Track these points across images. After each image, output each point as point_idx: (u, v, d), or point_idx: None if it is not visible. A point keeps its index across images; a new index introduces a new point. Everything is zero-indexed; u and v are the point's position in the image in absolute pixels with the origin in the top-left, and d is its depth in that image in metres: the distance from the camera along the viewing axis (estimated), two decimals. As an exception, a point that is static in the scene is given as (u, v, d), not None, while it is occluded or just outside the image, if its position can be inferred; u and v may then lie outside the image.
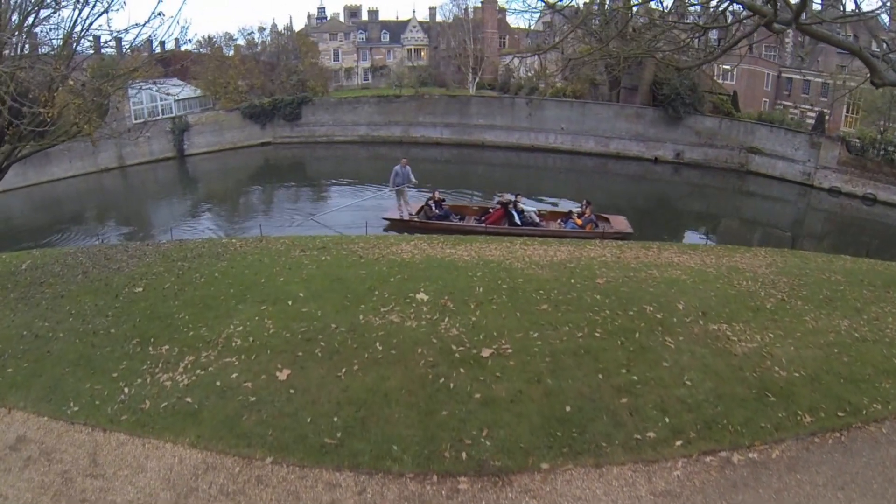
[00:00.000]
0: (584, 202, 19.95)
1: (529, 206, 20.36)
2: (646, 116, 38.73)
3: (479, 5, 58.35)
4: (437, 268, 11.30)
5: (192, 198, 31.74)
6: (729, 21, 10.23)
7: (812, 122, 36.52)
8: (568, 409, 6.40)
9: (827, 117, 35.34)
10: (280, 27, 53.87)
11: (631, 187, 35.32)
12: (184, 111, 41.77)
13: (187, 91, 42.87)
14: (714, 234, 26.48)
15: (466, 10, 57.40)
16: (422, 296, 9.45)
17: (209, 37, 47.77)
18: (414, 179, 19.80)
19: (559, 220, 19.75)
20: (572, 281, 10.64)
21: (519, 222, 18.86)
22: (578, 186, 34.10)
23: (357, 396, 6.65)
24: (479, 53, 52.14)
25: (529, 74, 50.41)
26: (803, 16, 8.13)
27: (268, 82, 44.28)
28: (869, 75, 9.32)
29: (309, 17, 68.43)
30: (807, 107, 41.78)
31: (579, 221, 18.97)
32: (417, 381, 6.93)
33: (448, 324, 8.37)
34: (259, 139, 41.86)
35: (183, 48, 47.57)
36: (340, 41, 63.45)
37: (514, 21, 67.39)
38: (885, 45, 10.35)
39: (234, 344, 7.88)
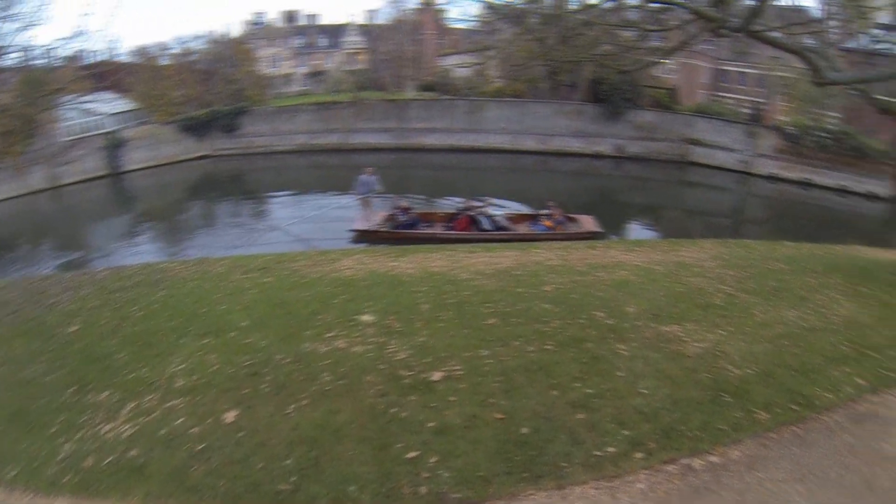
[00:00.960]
0: (551, 204, 20.83)
1: (498, 210, 21.13)
2: (586, 113, 40.74)
3: (418, 7, 59.83)
4: (380, 285, 11.45)
5: (129, 217, 31.64)
6: (673, 24, 10.87)
7: (749, 112, 39.70)
8: (524, 430, 6.52)
9: (763, 107, 38.13)
10: (217, 34, 54.43)
11: (572, 184, 36.66)
12: (118, 126, 41.80)
13: (121, 105, 43.05)
14: (658, 225, 27.86)
15: (405, 12, 58.55)
16: (367, 317, 9.58)
17: (143, 46, 47.97)
18: (379, 188, 20.44)
19: (527, 223, 20.64)
20: (519, 290, 10.90)
21: (488, 227, 19.54)
22: (519, 185, 35.17)
23: (308, 434, 6.61)
24: (418, 55, 53.20)
25: (469, 75, 51.55)
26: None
27: (204, 92, 44.73)
28: (812, 74, 10.07)
29: (246, 23, 68.58)
30: (743, 97, 44.74)
31: (549, 224, 19.88)
32: (368, 412, 6.94)
33: (395, 346, 8.47)
34: (197, 152, 42.20)
35: (115, 60, 46.65)
36: (278, 47, 64.90)
37: (452, 21, 69.32)
38: (821, 41, 11.30)
39: (177, 385, 7.74)
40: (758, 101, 39.84)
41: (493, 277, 11.92)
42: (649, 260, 13.71)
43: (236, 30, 70.25)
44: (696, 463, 6.33)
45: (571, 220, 20.91)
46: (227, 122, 41.82)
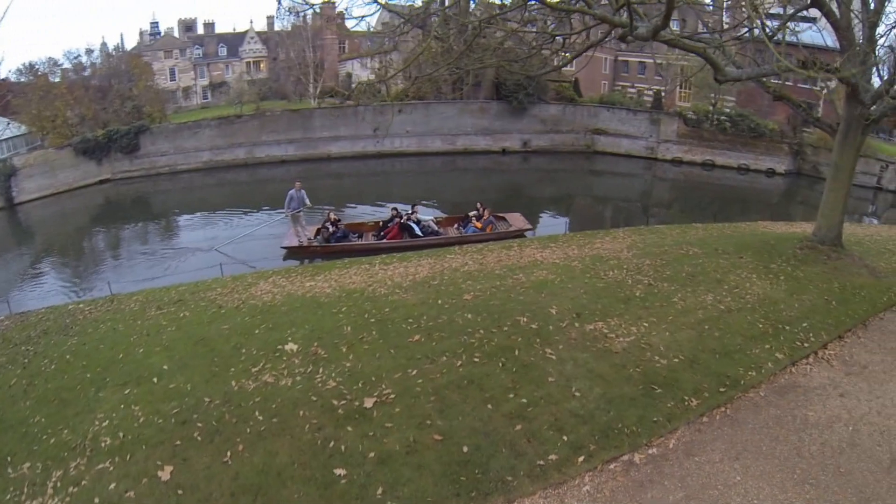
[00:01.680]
0: (480, 204, 21.35)
1: (426, 216, 21.43)
2: (490, 110, 42.24)
3: (318, 12, 58.90)
4: (300, 309, 11.48)
5: (29, 254, 28.75)
6: (578, 28, 11.42)
7: (650, 100, 42.76)
8: (465, 449, 6.68)
9: (663, 95, 41.04)
10: (110, 47, 52.11)
11: (481, 180, 37.61)
12: (8, 152, 38.93)
13: (9, 129, 39.78)
14: (569, 214, 29.06)
15: (304, 17, 57.98)
16: (290, 346, 9.61)
17: (31, 64, 45.07)
18: (309, 203, 20.25)
19: (456, 226, 21.20)
20: (440, 302, 11.10)
21: (420, 234, 19.86)
22: (428, 187, 35.70)
23: (250, 482, 6.52)
24: (319, 61, 52.94)
25: (371, 78, 51.50)
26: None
27: (100, 111, 42.23)
28: (714, 72, 10.91)
29: (141, 33, 65.60)
30: (644, 86, 48.02)
31: (479, 225, 20.42)
32: (307, 449, 6.92)
33: (324, 375, 8.49)
34: (97, 177, 39.72)
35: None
36: (176, 58, 63.05)
37: (352, 25, 69.82)
38: (718, 37, 12.26)
39: (103, 444, 7.37)
40: (658, 89, 42.70)
41: (412, 290, 12.09)
42: (566, 256, 14.26)
43: (131, 41, 68.48)
44: (637, 458, 6.72)
45: (500, 219, 21.58)
46: (126, 142, 40.04)
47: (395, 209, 20.85)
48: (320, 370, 8.70)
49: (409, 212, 20.55)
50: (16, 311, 14.50)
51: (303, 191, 19.81)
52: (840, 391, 8.38)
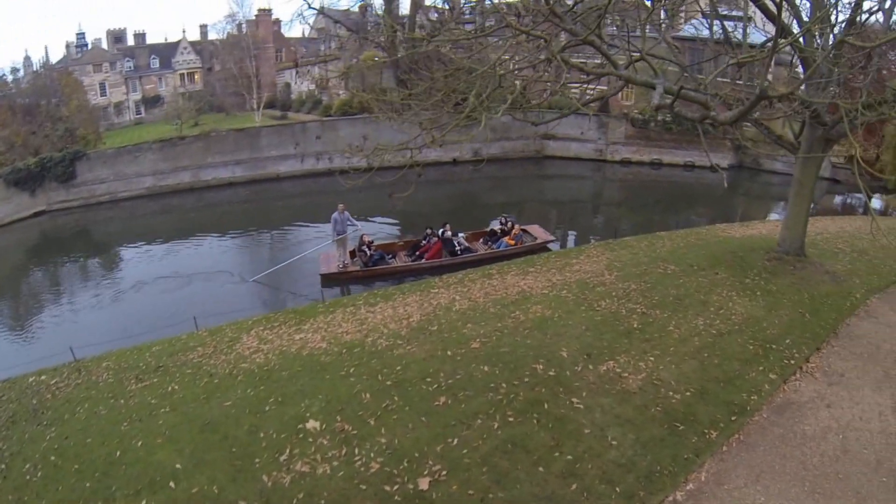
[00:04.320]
0: (504, 219, 22.26)
1: (459, 233, 21.75)
2: (439, 120, 42.25)
3: (253, 18, 58.90)
4: (303, 373, 11.11)
5: None
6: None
7: (596, 103, 44.04)
8: (533, 518, 7.33)
9: (608, 97, 42.75)
10: (34, 61, 49.47)
11: (434, 191, 38.06)
12: None
13: None
14: (521, 218, 29.79)
15: (240, 25, 57.10)
16: (312, 424, 9.30)
17: None
18: (357, 225, 20.20)
19: (481, 241, 21.88)
20: (449, 353, 11.48)
21: (459, 251, 20.35)
22: (378, 202, 35.72)
23: None
24: (257, 71, 52.24)
25: (311, 88, 51.26)
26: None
27: (30, 136, 39.48)
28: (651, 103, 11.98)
29: (67, 46, 61.68)
30: (588, 88, 49.54)
31: (512, 241, 21.13)
32: None
33: (362, 456, 8.48)
34: (31, 209, 37.06)
35: None
36: (106, 72, 60.75)
37: (286, 31, 68.57)
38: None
39: None
40: (602, 91, 44.38)
41: (414, 340, 12.31)
42: (552, 284, 15.08)
43: (56, 54, 64.40)
44: (679, 496, 7.65)
45: (525, 232, 22.28)
46: (61, 170, 37.48)
47: (430, 228, 21.14)
48: (356, 451, 8.56)
49: (444, 229, 20.90)
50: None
51: (346, 212, 19.65)
52: (826, 402, 9.70)
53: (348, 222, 19.89)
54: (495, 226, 22.45)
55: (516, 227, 21.93)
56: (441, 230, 20.93)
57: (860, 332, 11.99)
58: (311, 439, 8.94)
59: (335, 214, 19.60)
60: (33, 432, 10.08)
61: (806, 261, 14.75)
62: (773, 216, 28.55)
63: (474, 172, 41.45)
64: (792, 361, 10.66)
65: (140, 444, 9.29)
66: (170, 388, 11.04)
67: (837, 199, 33.08)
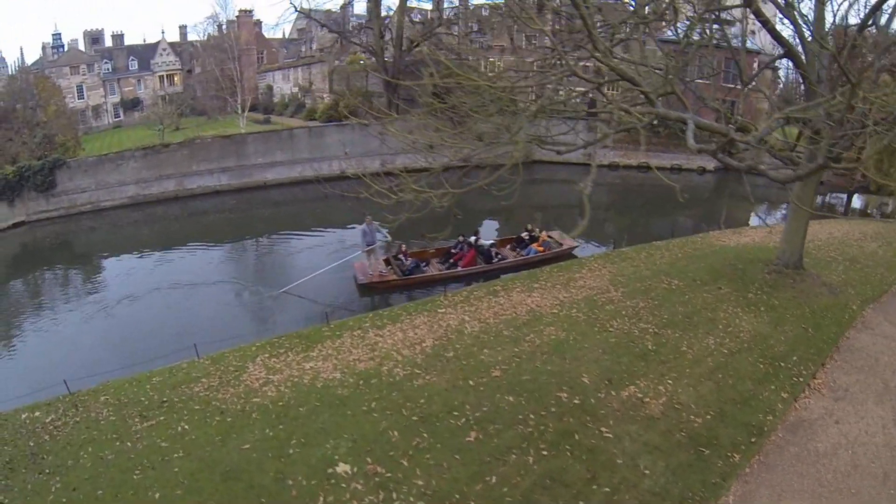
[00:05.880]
0: (531, 226, 23.23)
1: (486, 241, 22.37)
2: (428, 126, 42.62)
3: (234, 19, 58.70)
4: (322, 409, 10.81)
5: None
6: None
7: (578, 100, 44.92)
8: (577, 553, 7.83)
9: (597, 101, 43.71)
10: (9, 63, 49.03)
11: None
12: None
13: None
14: (508, 225, 30.51)
15: (221, 26, 56.83)
16: (343, 467, 9.03)
17: None
18: (386, 235, 20.87)
19: (509, 247, 22.62)
20: (471, 383, 11.67)
21: (494, 258, 21.06)
22: (368, 210, 36.28)
23: None
24: (238, 73, 52.19)
25: (295, 91, 51.27)
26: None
27: (6, 143, 38.65)
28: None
29: (43, 47, 61.22)
30: (577, 91, 50.58)
31: (541, 248, 21.97)
32: None
33: (401, 501, 8.55)
34: (9, 220, 36.06)
35: None
36: (84, 74, 60.22)
37: (271, 33, 68.56)
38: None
39: None
40: (591, 97, 45.20)
41: (432, 369, 12.37)
42: (559, 301, 15.52)
43: (31, 55, 65.25)
44: (710, 521, 8.32)
45: (551, 238, 22.99)
46: (41, 179, 36.53)
47: (463, 236, 21.70)
48: (394, 495, 8.42)
49: (476, 237, 21.59)
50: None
51: (374, 223, 20.01)
52: (835, 418, 10.43)
53: (377, 232, 20.49)
54: (523, 234, 23.13)
55: (544, 233, 22.82)
56: (473, 237, 21.57)
57: (859, 344, 12.77)
58: (343, 485, 8.69)
59: (363, 227, 20.04)
60: (36, 482, 9.24)
61: (804, 273, 15.54)
62: (756, 221, 29.76)
63: (464, 177, 42.06)
64: (801, 379, 11.35)
65: (158, 496, 8.71)
66: (179, 429, 10.42)
67: (819, 199, 34.15)
